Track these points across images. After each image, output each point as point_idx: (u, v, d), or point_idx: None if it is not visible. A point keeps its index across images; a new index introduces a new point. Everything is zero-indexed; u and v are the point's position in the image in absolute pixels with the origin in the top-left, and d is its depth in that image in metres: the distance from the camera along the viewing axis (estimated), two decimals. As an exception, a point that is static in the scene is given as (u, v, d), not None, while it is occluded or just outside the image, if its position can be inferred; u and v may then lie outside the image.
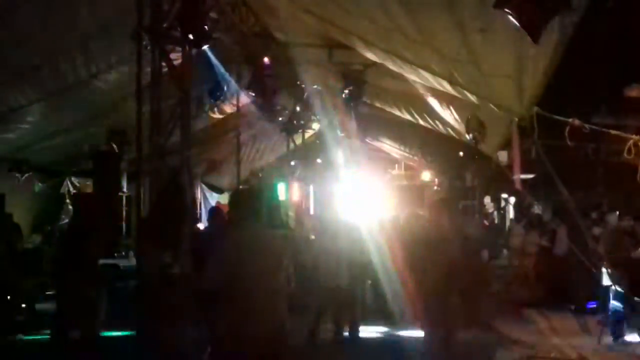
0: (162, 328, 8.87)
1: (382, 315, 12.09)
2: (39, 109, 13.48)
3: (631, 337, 10.91)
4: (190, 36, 10.20)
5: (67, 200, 18.54)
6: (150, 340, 8.97)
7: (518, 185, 19.05)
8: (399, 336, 11.41)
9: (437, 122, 16.63)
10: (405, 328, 11.14)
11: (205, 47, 11.31)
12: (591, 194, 15.17)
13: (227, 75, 15.24)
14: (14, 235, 14.00)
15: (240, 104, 17.09)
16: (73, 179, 19.01)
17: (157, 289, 9.12)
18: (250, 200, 6.04)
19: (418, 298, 8.71)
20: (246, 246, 5.71)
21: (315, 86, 17.60)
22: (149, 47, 10.08)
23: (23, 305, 13.05)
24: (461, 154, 17.28)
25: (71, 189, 19.00)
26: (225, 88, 15.46)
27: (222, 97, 16.08)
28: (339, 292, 10.64)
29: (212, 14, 12.13)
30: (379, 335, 11.97)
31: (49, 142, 15.66)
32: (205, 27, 10.47)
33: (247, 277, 5.55)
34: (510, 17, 6.46)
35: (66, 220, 17.43)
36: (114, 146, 15.86)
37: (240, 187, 17.53)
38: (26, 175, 16.65)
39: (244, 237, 5.77)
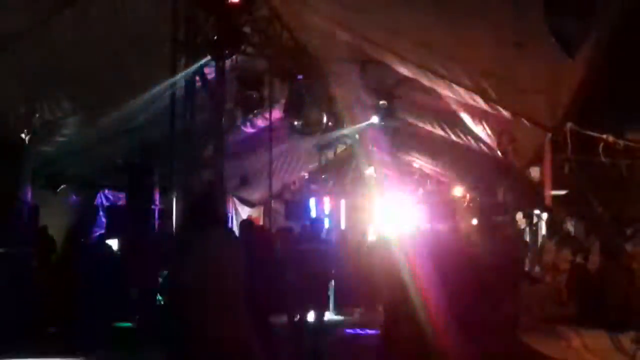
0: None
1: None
2: (74, 122, 13.64)
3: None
4: (225, 50, 10.30)
5: (101, 213, 18.70)
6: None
7: (549, 202, 18.90)
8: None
9: (470, 137, 16.60)
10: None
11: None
12: (625, 211, 14.97)
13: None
14: (48, 247, 14.16)
15: (272, 118, 17.14)
16: (107, 191, 19.17)
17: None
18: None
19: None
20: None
21: (347, 101, 17.61)
22: (183, 62, 10.19)
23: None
24: (493, 169, 17.16)
25: (104, 201, 19.16)
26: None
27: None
28: None
29: (246, 29, 12.22)
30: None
31: (84, 155, 15.82)
32: (239, 41, 10.55)
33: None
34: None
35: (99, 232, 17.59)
36: (147, 159, 15.96)
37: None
38: (61, 187, 16.82)
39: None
